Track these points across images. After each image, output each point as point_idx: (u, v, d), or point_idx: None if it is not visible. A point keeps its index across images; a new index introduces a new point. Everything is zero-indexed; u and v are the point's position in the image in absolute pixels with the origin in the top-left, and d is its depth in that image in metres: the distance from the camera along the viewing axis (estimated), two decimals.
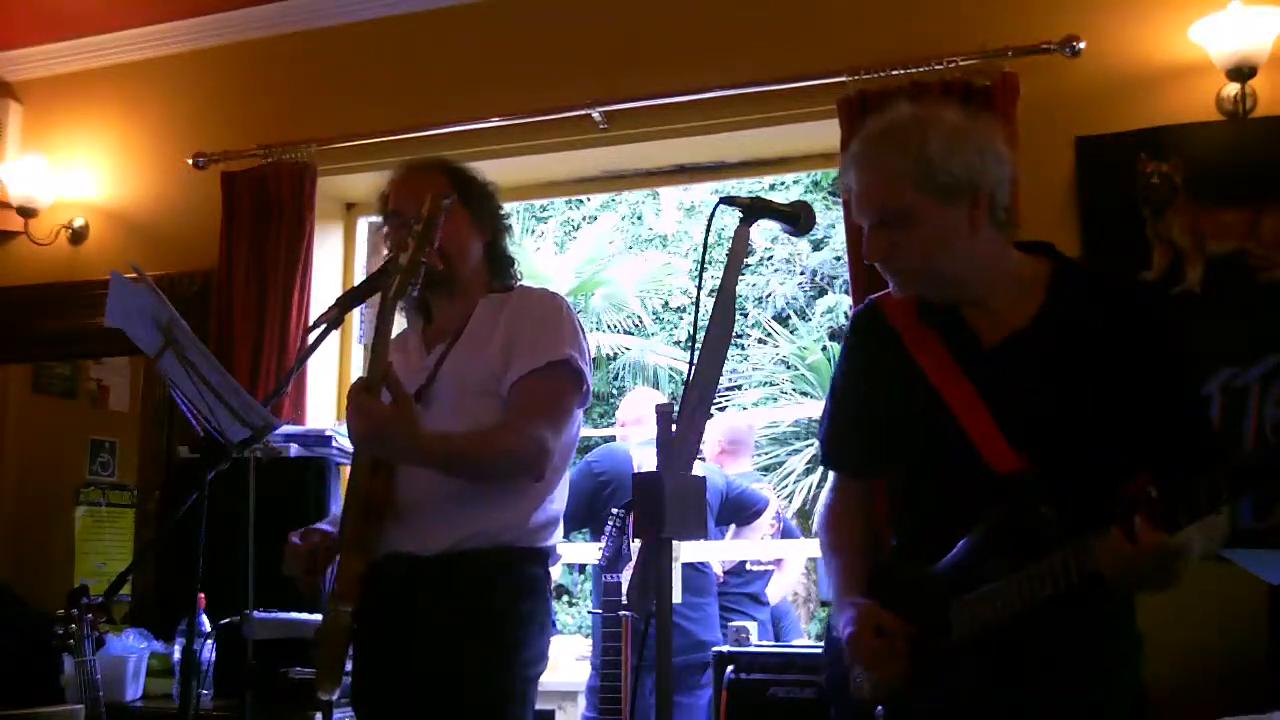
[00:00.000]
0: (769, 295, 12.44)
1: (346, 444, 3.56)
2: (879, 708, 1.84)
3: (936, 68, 3.29)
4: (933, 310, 1.90)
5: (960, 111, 1.90)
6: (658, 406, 1.58)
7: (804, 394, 11.82)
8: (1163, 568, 1.58)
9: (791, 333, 12.31)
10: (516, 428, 2.19)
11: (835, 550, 2.01)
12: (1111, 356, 1.77)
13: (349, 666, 2.22)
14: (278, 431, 3.33)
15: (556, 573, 2.42)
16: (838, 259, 11.22)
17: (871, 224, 1.83)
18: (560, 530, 2.37)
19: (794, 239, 10.82)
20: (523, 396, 2.22)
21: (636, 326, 12.87)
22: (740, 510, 4.61)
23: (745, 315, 12.28)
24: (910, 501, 1.94)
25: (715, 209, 1.73)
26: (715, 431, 4.94)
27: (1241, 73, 3.05)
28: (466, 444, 2.18)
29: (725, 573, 4.54)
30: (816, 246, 11.99)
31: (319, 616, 2.21)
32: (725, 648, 3.40)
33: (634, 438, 4.60)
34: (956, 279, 1.84)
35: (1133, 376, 1.76)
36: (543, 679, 2.30)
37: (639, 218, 13.11)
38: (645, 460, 4.27)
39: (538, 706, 2.30)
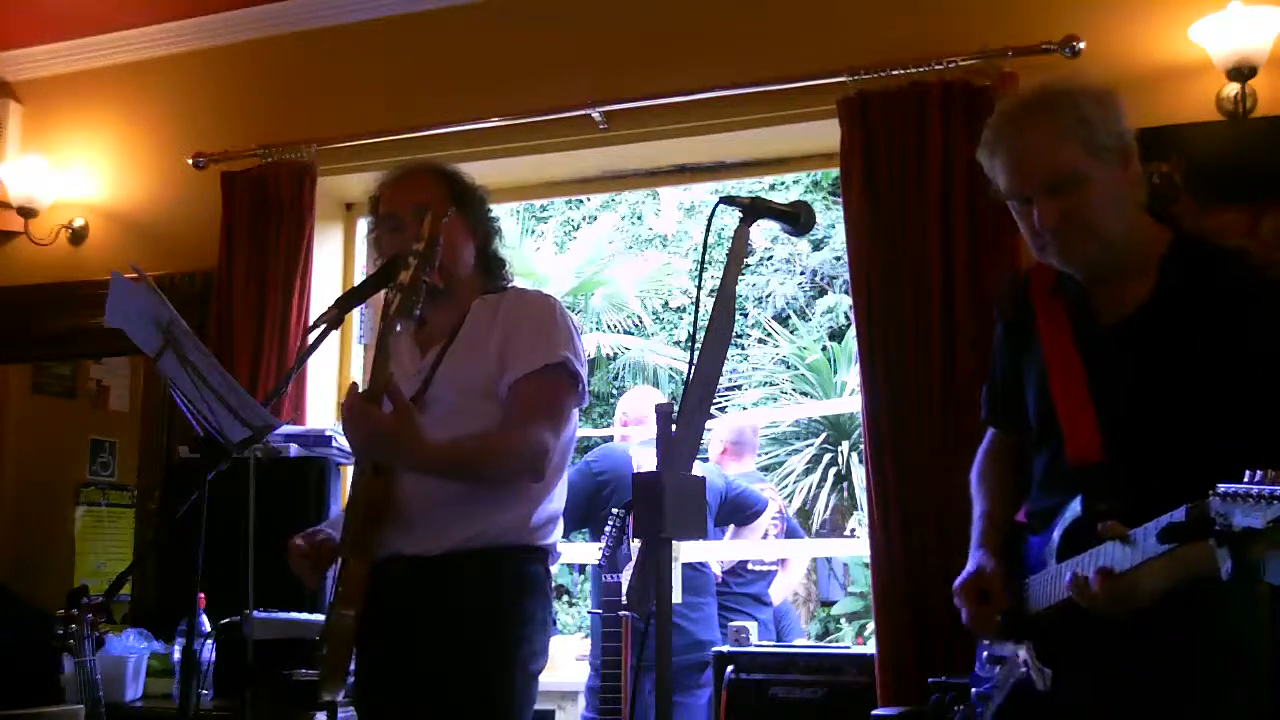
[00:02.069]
0: (769, 295, 12.45)
1: (346, 444, 3.56)
2: (984, 647, 1.99)
3: (936, 68, 3.29)
4: (1066, 287, 1.94)
5: (1095, 80, 1.94)
6: (658, 406, 1.59)
7: (804, 394, 11.83)
8: (1115, 603, 1.65)
9: (791, 333, 12.32)
10: (516, 430, 2.19)
11: (975, 497, 2.11)
12: (1220, 343, 1.78)
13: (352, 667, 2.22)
14: (278, 431, 3.33)
15: (556, 573, 2.43)
16: (838, 259, 11.22)
17: (1040, 192, 1.85)
18: (560, 529, 2.37)
19: (794, 239, 10.83)
20: (520, 399, 2.23)
21: (636, 326, 12.87)
22: (739, 510, 4.60)
23: (745, 315, 12.29)
24: (1032, 468, 2.01)
25: (715, 209, 1.74)
26: (720, 432, 4.94)
27: (1241, 73, 3.05)
28: (468, 449, 2.19)
29: (725, 573, 4.54)
30: (816, 246, 11.99)
31: (319, 617, 2.22)
32: (725, 648, 3.40)
33: (635, 437, 4.60)
34: (1118, 243, 1.86)
35: (1242, 363, 1.76)
36: (543, 679, 2.31)
37: (639, 218, 13.12)
38: (644, 460, 4.27)
39: (538, 706, 2.30)
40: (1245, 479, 1.40)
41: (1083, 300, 1.92)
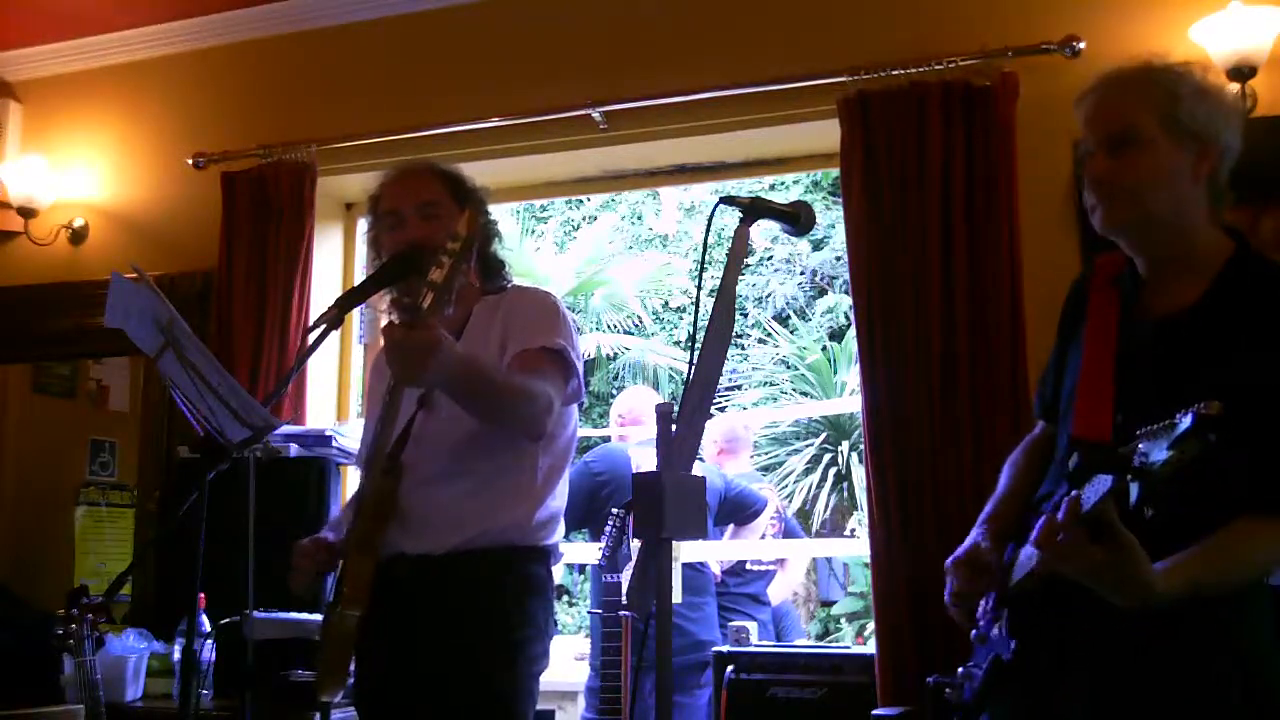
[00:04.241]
0: (769, 295, 12.45)
1: (346, 444, 3.57)
2: (974, 631, 1.96)
3: (936, 68, 3.29)
4: (1123, 281, 1.92)
5: (1209, 73, 1.92)
6: (658, 406, 1.59)
7: (804, 394, 11.83)
8: (1060, 550, 1.60)
9: (791, 333, 12.33)
10: (530, 379, 2.20)
11: (1000, 481, 2.09)
12: (1255, 358, 1.73)
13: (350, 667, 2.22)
14: (278, 431, 3.33)
15: (557, 573, 2.43)
16: (838, 259, 11.23)
17: (1098, 144, 1.84)
18: (561, 528, 2.38)
19: (794, 239, 10.83)
20: (522, 364, 2.23)
21: (636, 326, 12.88)
22: (738, 510, 4.61)
23: (745, 315, 12.29)
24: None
25: (715, 209, 1.74)
26: (712, 432, 4.94)
27: (1241, 73, 3.05)
28: (497, 374, 2.18)
29: (724, 573, 4.54)
30: (816, 246, 12.00)
31: (320, 617, 2.22)
32: (725, 648, 3.40)
33: (633, 437, 4.60)
34: (1160, 224, 1.84)
35: (1272, 382, 1.71)
36: (543, 679, 2.31)
37: (639, 218, 13.12)
38: (643, 460, 4.27)
39: (538, 706, 2.30)
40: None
41: (1135, 294, 1.90)
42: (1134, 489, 1.46)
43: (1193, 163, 1.83)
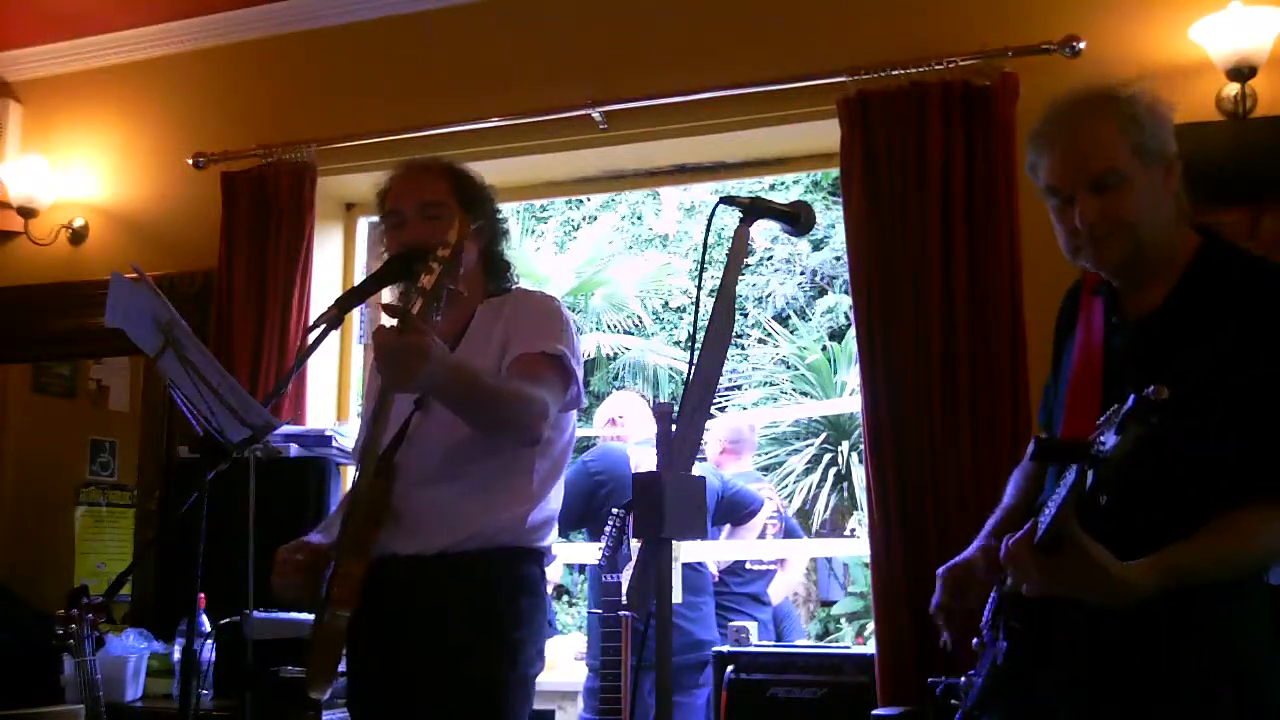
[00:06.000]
0: (769, 295, 12.45)
1: (346, 444, 3.57)
2: (945, 636, 2.00)
3: (936, 68, 3.29)
4: (1102, 289, 1.93)
5: (1151, 86, 1.92)
6: (658, 406, 1.59)
7: (804, 394, 11.83)
8: (1021, 562, 1.63)
9: (791, 333, 12.33)
10: (526, 384, 2.19)
11: (1006, 492, 2.11)
12: (1228, 349, 1.73)
13: (341, 668, 2.21)
14: (278, 431, 3.33)
15: (557, 573, 2.42)
16: (838, 259, 11.22)
17: (1083, 188, 1.83)
18: (556, 530, 2.37)
19: (794, 239, 10.83)
20: (521, 369, 2.22)
21: (636, 326, 12.87)
22: (735, 510, 4.61)
23: (745, 315, 12.29)
24: None
25: (715, 209, 1.74)
26: (717, 431, 4.95)
27: (1241, 73, 3.05)
28: (489, 378, 2.17)
29: (722, 572, 4.54)
30: (816, 246, 11.99)
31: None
32: (725, 648, 3.40)
33: (632, 438, 4.60)
34: (1153, 246, 1.84)
35: (1247, 371, 1.71)
36: (542, 679, 2.30)
37: (639, 218, 13.11)
38: (642, 460, 4.27)
39: (538, 706, 2.30)
40: None
41: (1114, 299, 1.92)
42: (1090, 475, 1.47)
43: (1163, 181, 1.85)
